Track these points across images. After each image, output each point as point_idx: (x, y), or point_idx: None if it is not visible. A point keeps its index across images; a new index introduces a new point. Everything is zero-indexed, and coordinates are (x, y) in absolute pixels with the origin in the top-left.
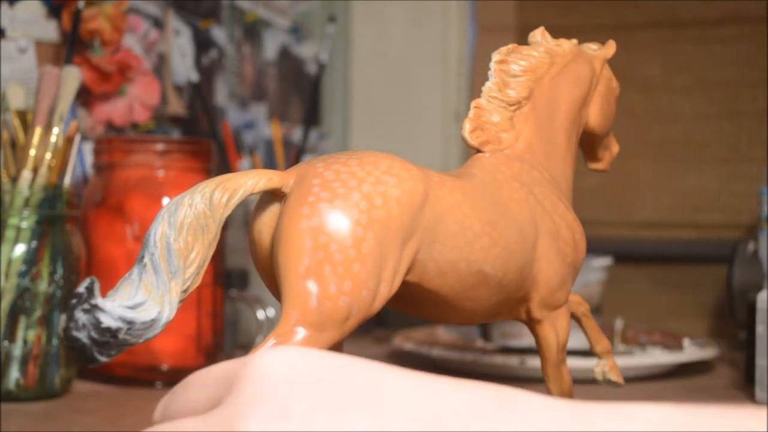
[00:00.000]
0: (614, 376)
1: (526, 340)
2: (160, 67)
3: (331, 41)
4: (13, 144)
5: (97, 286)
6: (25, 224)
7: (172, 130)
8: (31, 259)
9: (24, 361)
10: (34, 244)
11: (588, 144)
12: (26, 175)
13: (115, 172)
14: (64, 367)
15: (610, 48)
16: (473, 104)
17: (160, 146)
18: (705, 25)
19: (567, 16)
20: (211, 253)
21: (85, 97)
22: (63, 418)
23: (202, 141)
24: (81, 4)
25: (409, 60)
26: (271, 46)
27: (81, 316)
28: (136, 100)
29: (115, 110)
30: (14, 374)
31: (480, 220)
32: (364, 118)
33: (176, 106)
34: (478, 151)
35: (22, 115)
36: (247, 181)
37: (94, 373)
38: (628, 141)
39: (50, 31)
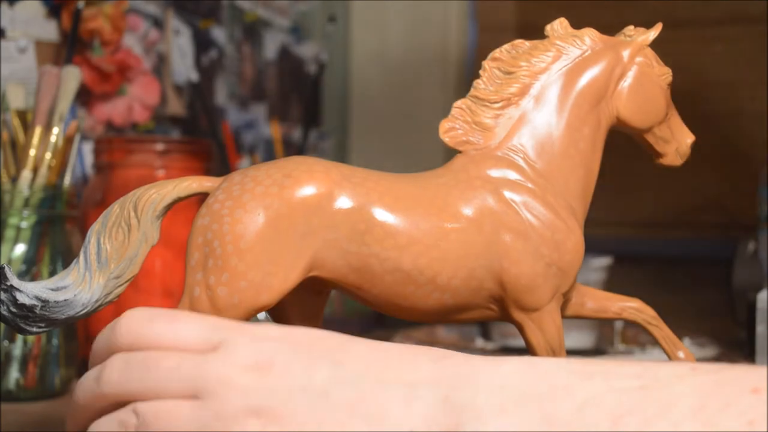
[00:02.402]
0: None
1: None
2: (160, 67)
3: (331, 41)
4: (13, 144)
5: (7, 271)
6: (25, 224)
7: (172, 130)
8: (31, 259)
9: (24, 361)
10: (34, 244)
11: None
12: (26, 175)
13: (115, 172)
14: (64, 367)
15: (650, 32)
16: (454, 105)
17: (160, 146)
18: (705, 25)
19: (567, 16)
20: (142, 248)
21: (85, 97)
22: (63, 418)
23: (202, 141)
24: (81, 4)
25: (409, 60)
26: (271, 46)
27: (1, 294)
28: (136, 100)
29: (115, 110)
30: (14, 374)
31: (399, 218)
32: (364, 118)
33: (176, 106)
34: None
35: (22, 115)
36: (180, 184)
37: None
38: (628, 141)
39: (50, 31)
